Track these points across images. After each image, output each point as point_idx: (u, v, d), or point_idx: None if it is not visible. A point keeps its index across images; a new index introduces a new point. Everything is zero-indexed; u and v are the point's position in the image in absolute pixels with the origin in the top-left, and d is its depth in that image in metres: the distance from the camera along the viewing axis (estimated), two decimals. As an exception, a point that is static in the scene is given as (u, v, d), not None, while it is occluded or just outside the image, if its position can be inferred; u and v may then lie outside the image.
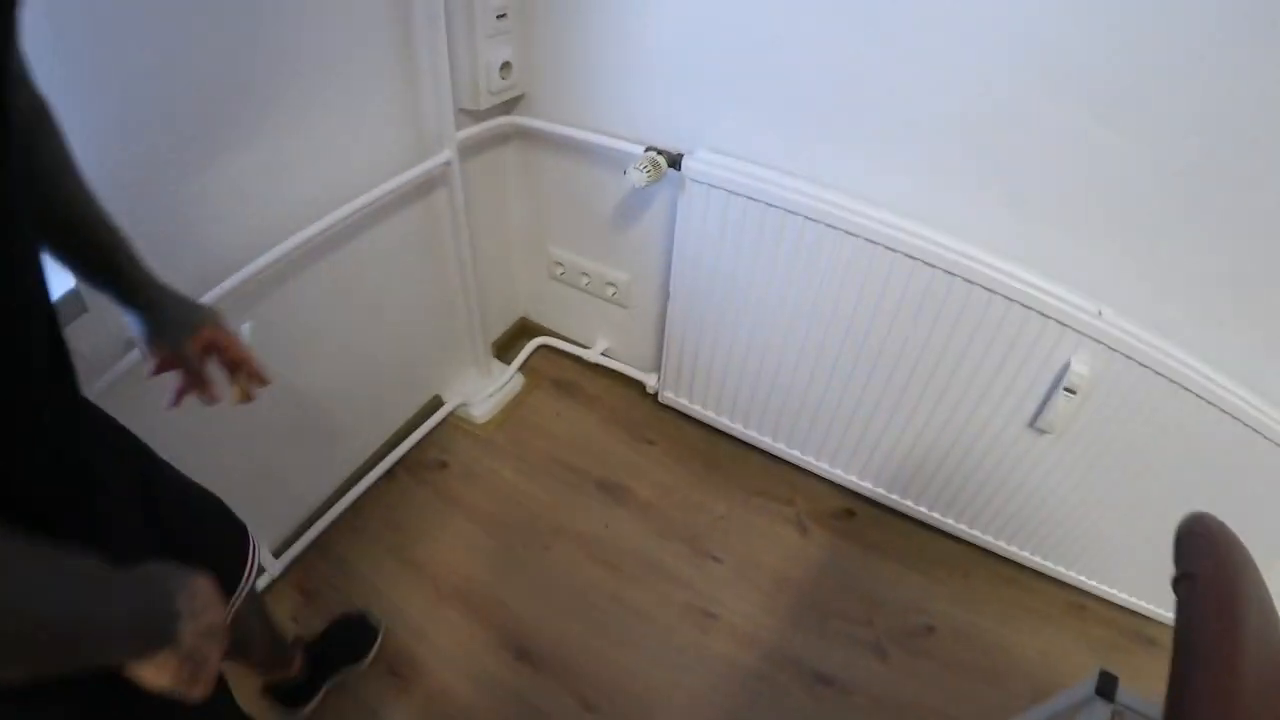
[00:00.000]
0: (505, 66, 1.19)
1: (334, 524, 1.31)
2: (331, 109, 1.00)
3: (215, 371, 0.69)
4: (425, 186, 1.22)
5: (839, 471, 1.36)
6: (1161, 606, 1.27)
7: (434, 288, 1.36)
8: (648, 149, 1.16)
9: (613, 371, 1.58)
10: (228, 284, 0.92)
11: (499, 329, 1.66)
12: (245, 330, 0.82)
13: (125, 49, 0.74)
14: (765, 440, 1.41)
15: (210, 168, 0.87)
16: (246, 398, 0.69)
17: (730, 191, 1.09)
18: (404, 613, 1.21)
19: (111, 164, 0.77)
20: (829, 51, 0.97)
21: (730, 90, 1.07)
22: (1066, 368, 1.01)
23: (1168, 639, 1.27)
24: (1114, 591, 1.29)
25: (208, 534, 0.73)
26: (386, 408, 1.41)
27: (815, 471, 1.40)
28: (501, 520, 1.35)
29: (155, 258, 0.88)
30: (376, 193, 1.09)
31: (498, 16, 1.12)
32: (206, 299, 0.90)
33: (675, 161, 1.13)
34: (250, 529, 0.79)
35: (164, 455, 0.73)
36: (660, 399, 1.50)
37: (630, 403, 1.59)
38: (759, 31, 1.00)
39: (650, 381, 1.51)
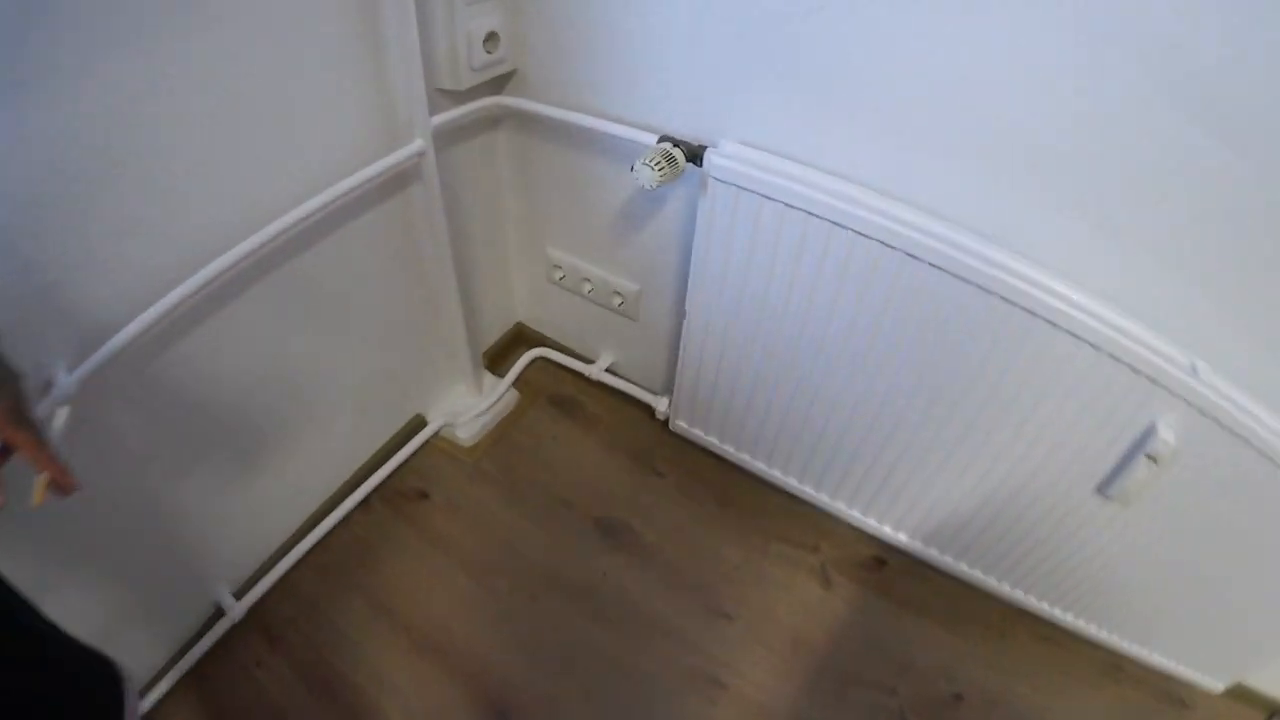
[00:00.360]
0: (491, 38, 1.00)
1: (302, 560, 1.18)
2: (279, 94, 0.82)
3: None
4: (397, 181, 1.04)
5: (871, 521, 1.22)
6: (1198, 670, 1.16)
7: (412, 296, 1.19)
8: (662, 139, 0.97)
9: (618, 390, 1.43)
10: (153, 311, 0.76)
11: (492, 337, 1.50)
12: (59, 418, 0.67)
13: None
14: (790, 482, 1.26)
15: (123, 173, 0.71)
16: (64, 494, 0.53)
17: (764, 195, 0.91)
18: (374, 664, 1.08)
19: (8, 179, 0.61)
20: (898, 29, 0.77)
21: (768, 68, 0.88)
22: (1151, 431, 0.86)
23: (1199, 700, 1.18)
24: (1153, 655, 1.16)
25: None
26: (361, 429, 1.26)
27: (845, 519, 1.27)
28: (487, 562, 1.21)
29: (57, 287, 0.71)
30: (335, 192, 0.91)
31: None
32: (129, 330, 0.74)
33: (696, 155, 0.95)
34: (126, 678, 0.64)
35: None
36: (671, 427, 1.36)
37: (637, 426, 1.43)
38: None
39: (660, 406, 1.35)
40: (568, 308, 1.41)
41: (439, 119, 1.01)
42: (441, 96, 1.03)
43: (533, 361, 1.50)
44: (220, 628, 1.09)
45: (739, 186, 0.92)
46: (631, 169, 0.96)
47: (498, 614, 1.15)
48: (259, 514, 1.13)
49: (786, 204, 0.90)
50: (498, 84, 1.11)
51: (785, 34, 0.84)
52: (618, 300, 1.28)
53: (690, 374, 1.21)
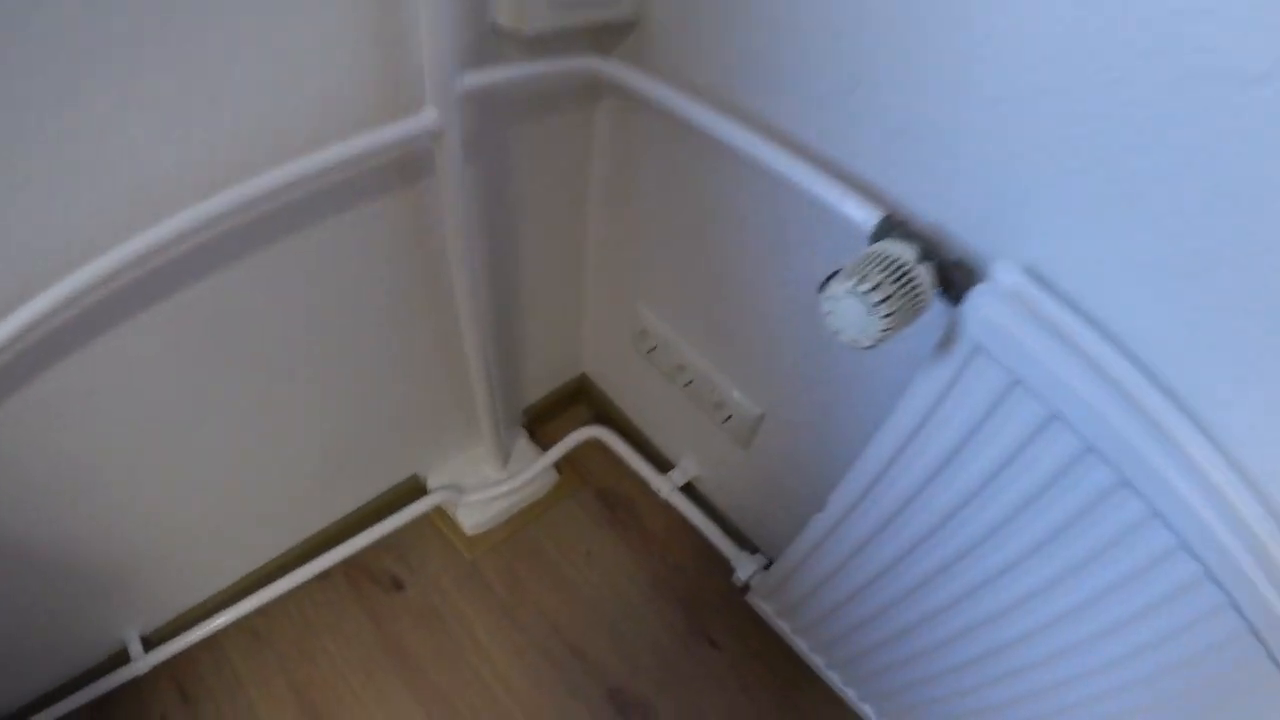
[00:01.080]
0: None
1: (236, 623, 0.99)
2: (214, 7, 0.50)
3: None
4: (400, 169, 0.71)
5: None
6: None
7: (417, 327, 0.89)
8: (886, 224, 0.55)
9: (691, 523, 1.10)
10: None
11: (543, 388, 1.19)
12: None
13: None
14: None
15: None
16: None
17: (1053, 410, 0.50)
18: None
19: None
20: None
21: (1142, 147, 0.44)
22: None
23: None
24: None
25: None
26: (333, 484, 1.02)
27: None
28: (452, 705, 0.97)
29: None
30: (272, 181, 0.58)
31: None
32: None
33: (952, 276, 0.53)
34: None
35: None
36: (747, 598, 1.04)
37: (703, 572, 1.11)
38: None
39: (742, 571, 1.02)
40: (652, 387, 1.07)
41: (479, 78, 0.64)
42: (503, 42, 0.66)
43: (587, 441, 1.18)
44: (123, 674, 0.94)
45: (1014, 374, 0.51)
46: (822, 289, 0.53)
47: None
48: (187, 563, 0.93)
49: (1094, 448, 0.49)
50: (602, 38, 0.72)
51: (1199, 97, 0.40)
52: (723, 414, 0.94)
53: (800, 566, 0.86)
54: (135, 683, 0.96)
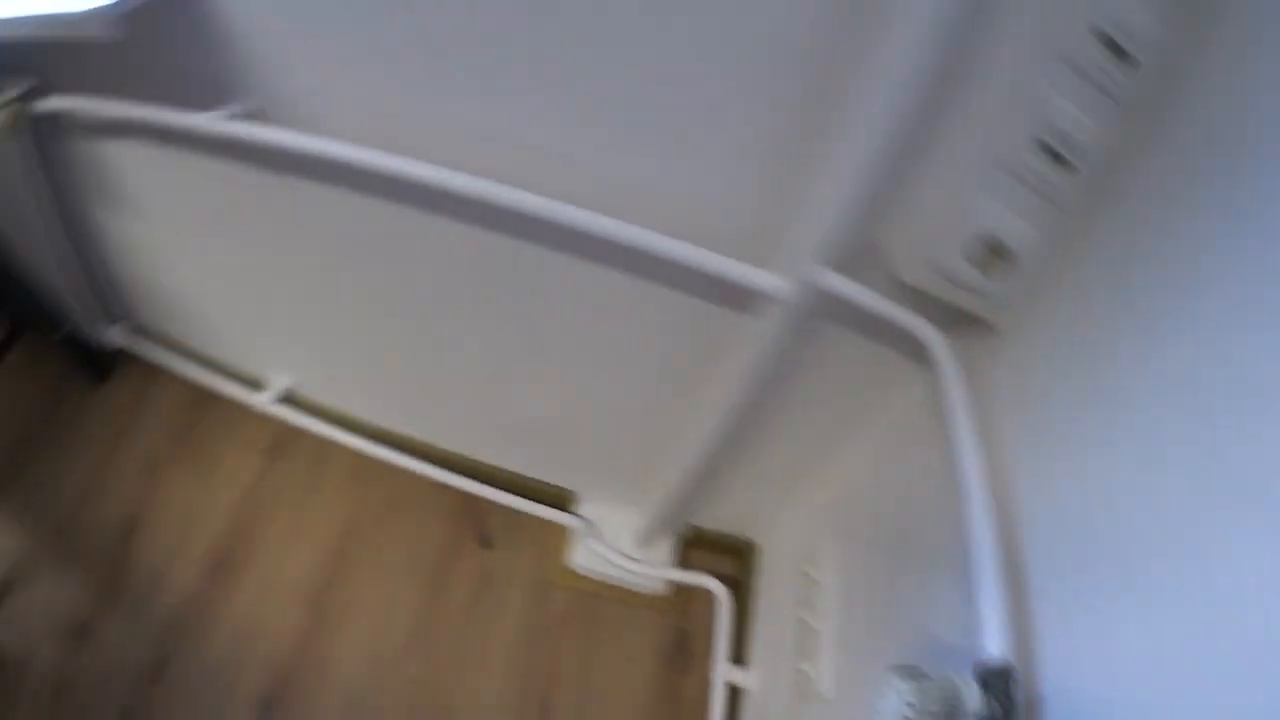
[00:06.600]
0: (998, 253, 0.65)
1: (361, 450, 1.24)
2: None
3: None
4: (724, 298, 0.81)
5: None
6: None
7: (666, 392, 1.01)
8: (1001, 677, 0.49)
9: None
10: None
11: (714, 522, 1.26)
12: None
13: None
14: None
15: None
16: None
17: None
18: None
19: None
20: None
21: None
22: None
23: None
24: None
25: None
26: (516, 442, 1.22)
27: None
28: (437, 641, 1.11)
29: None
30: (623, 232, 0.73)
31: (1041, 149, 0.58)
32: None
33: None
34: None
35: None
36: None
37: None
38: None
39: None
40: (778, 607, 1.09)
41: (835, 282, 0.69)
42: (868, 263, 0.71)
43: (705, 589, 1.21)
44: (249, 397, 1.26)
45: None
46: (897, 674, 0.56)
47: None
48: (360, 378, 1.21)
49: None
50: (953, 320, 0.72)
51: None
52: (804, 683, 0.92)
53: None
54: (245, 410, 1.26)
